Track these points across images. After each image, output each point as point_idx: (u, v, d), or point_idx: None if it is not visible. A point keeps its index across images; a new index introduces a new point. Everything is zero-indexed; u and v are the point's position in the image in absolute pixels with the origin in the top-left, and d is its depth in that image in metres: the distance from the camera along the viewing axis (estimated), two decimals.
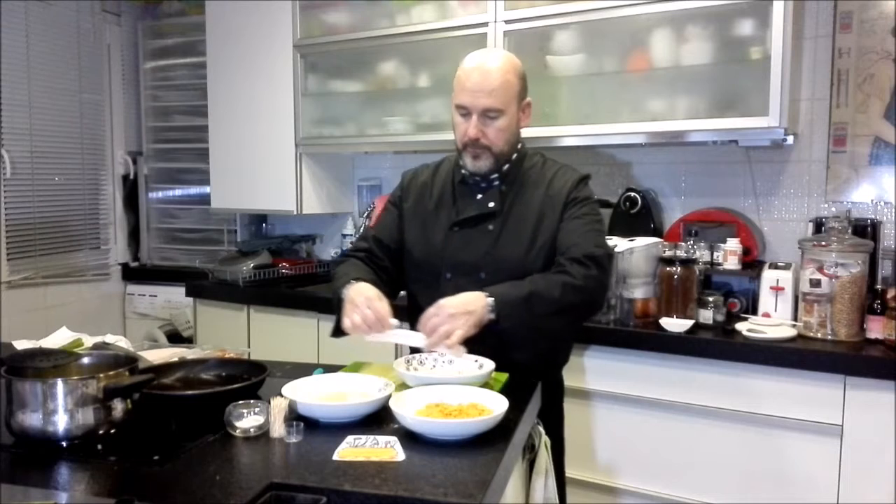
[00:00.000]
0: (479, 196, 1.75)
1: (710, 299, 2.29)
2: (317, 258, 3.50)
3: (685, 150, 2.73)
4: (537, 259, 1.68)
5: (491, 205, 1.73)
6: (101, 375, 1.30)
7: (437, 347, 1.50)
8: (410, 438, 1.30)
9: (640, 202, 2.65)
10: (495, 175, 1.75)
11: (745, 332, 2.17)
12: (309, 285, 3.15)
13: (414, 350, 1.68)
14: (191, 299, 3.33)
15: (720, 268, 2.46)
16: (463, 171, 1.77)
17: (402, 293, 1.86)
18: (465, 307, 1.51)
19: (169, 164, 3.85)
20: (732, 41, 2.33)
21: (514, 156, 1.77)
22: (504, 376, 1.66)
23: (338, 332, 1.64)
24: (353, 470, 1.17)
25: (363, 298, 1.55)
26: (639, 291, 2.33)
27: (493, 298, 1.53)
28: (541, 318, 1.55)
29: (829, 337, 2.13)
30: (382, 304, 1.55)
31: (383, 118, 2.93)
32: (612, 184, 2.87)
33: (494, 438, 1.31)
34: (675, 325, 2.23)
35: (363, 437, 1.29)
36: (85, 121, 3.58)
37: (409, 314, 1.86)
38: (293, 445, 1.29)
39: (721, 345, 2.15)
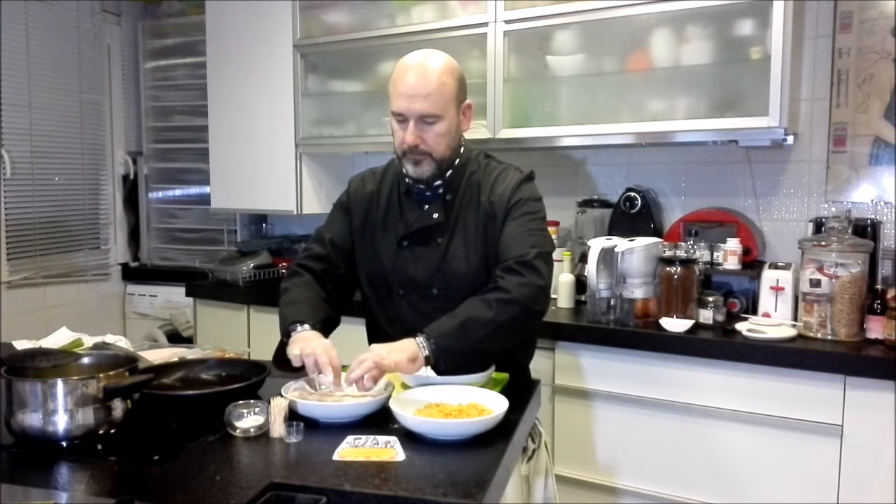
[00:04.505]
0: (426, 207, 1.72)
1: (710, 299, 2.29)
2: None
3: (685, 150, 2.73)
4: (488, 271, 1.64)
5: (435, 216, 1.70)
6: (101, 375, 1.30)
7: (362, 376, 1.41)
8: (410, 438, 1.30)
9: (640, 202, 2.65)
10: (439, 182, 1.71)
11: (745, 332, 2.17)
12: None
13: None
14: (191, 299, 3.33)
15: (720, 268, 2.46)
16: (407, 181, 1.73)
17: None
18: (397, 346, 1.47)
19: (169, 164, 3.85)
20: (732, 41, 2.33)
21: (457, 161, 1.72)
22: (504, 376, 1.66)
23: (280, 361, 1.58)
24: (353, 470, 1.17)
25: (320, 346, 1.48)
26: (639, 291, 2.33)
27: (423, 335, 1.48)
28: (480, 342, 1.51)
29: (829, 337, 2.13)
30: (334, 355, 1.48)
31: (383, 118, 2.92)
32: (612, 184, 2.87)
33: (494, 438, 1.31)
34: (675, 325, 2.23)
35: (363, 437, 1.29)
36: (85, 121, 3.58)
37: (367, 329, 1.87)
38: (293, 445, 1.29)
39: (721, 345, 2.15)
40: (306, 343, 1.49)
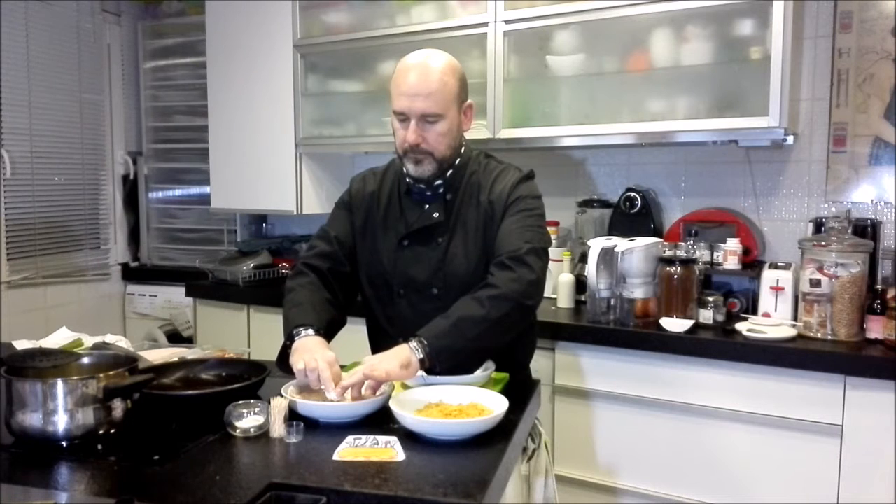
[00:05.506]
0: (426, 206, 1.72)
1: (710, 299, 2.29)
2: None
3: (685, 150, 2.73)
4: (487, 270, 1.63)
5: (436, 215, 1.70)
6: (101, 375, 1.30)
7: (354, 385, 1.42)
8: (410, 438, 1.30)
9: (640, 202, 2.65)
10: (439, 182, 1.71)
11: (745, 332, 2.17)
12: None
13: None
14: (191, 299, 3.33)
15: (720, 268, 2.46)
16: (408, 180, 1.73)
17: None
18: (389, 354, 1.47)
19: (169, 164, 3.85)
20: (732, 41, 2.32)
21: (458, 160, 1.73)
22: (504, 376, 1.66)
23: (283, 363, 1.59)
24: (353, 470, 1.17)
25: (323, 359, 1.45)
26: (639, 291, 2.33)
27: (417, 339, 1.48)
28: (474, 340, 1.51)
29: (829, 337, 2.13)
30: (338, 370, 1.46)
31: (383, 118, 2.93)
32: (612, 184, 2.87)
33: (494, 438, 1.31)
34: (675, 325, 2.23)
35: (363, 437, 1.29)
36: (85, 121, 3.58)
37: (368, 329, 1.86)
38: (293, 445, 1.29)
39: (721, 345, 2.15)
40: (310, 356, 1.47)
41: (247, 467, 1.21)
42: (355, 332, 1.81)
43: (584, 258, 2.53)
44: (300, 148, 3.14)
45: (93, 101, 3.62)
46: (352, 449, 1.25)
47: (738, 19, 2.29)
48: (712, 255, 2.48)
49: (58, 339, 1.89)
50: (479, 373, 1.56)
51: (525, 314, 1.61)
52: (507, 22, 2.60)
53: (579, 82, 2.58)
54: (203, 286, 3.30)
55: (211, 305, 3.26)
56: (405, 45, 2.85)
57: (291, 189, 3.16)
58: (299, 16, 3.07)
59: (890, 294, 2.09)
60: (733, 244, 2.44)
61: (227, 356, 1.83)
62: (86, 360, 1.45)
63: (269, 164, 3.21)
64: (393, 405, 1.35)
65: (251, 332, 3.12)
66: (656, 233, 2.63)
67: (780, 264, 2.38)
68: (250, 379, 1.51)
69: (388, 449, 1.25)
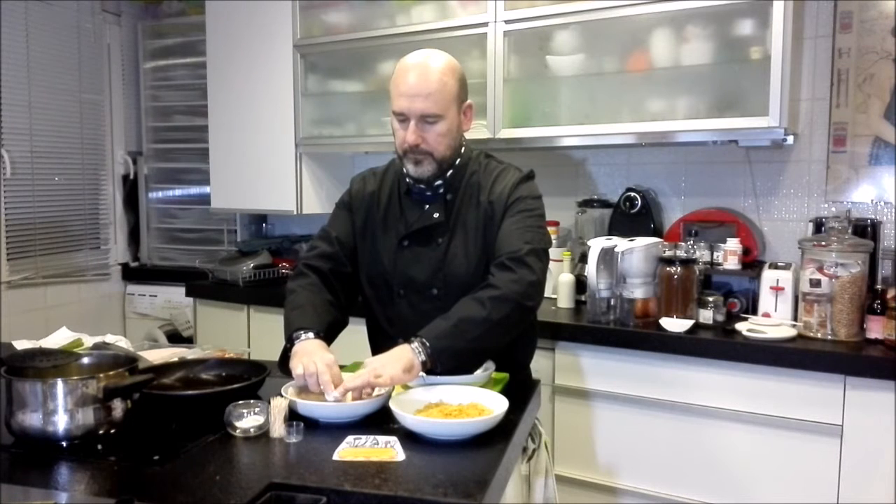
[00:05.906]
0: (426, 207, 1.72)
1: (710, 299, 2.29)
2: None
3: (685, 150, 2.73)
4: (488, 271, 1.63)
5: (436, 216, 1.69)
6: (101, 375, 1.30)
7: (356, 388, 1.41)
8: (410, 438, 1.30)
9: (640, 202, 2.65)
10: (439, 182, 1.71)
11: (745, 332, 2.17)
12: None
13: None
14: (191, 299, 3.33)
15: (720, 268, 2.46)
16: (408, 181, 1.73)
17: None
18: (392, 357, 1.46)
19: (169, 164, 3.85)
20: (732, 41, 2.33)
21: (458, 160, 1.73)
22: (504, 376, 1.66)
23: (285, 365, 1.58)
24: (353, 470, 1.17)
25: (323, 362, 1.45)
26: (639, 291, 2.33)
27: (418, 340, 1.47)
28: (475, 341, 1.50)
29: (829, 337, 2.13)
30: (337, 371, 1.46)
31: (383, 118, 2.93)
32: (612, 184, 2.87)
33: (494, 438, 1.31)
34: (675, 325, 2.23)
35: (363, 437, 1.29)
36: (85, 121, 3.58)
37: (368, 329, 1.86)
38: (293, 445, 1.29)
39: (721, 345, 2.15)
40: (308, 358, 1.47)
41: (247, 467, 1.21)
42: (355, 332, 1.81)
43: (584, 258, 2.53)
44: (300, 148, 3.14)
45: (93, 101, 3.62)
46: (352, 449, 1.25)
47: (738, 19, 2.29)
48: (712, 255, 2.48)
49: (58, 339, 1.89)
50: (479, 373, 1.56)
51: (525, 315, 1.62)
52: (507, 22, 2.60)
53: (579, 82, 2.58)
54: (203, 286, 3.30)
55: (211, 305, 3.26)
56: (405, 45, 2.84)
57: (291, 189, 3.16)
58: (299, 16, 3.08)
59: (890, 294, 2.09)
60: (733, 244, 2.44)
61: (227, 356, 1.83)
62: (86, 360, 1.45)
63: (269, 164, 3.21)
64: (393, 405, 1.35)
65: (251, 332, 3.12)
66: (656, 233, 2.63)
67: (780, 264, 2.38)
68: (250, 379, 1.51)
69: (388, 449, 1.25)
